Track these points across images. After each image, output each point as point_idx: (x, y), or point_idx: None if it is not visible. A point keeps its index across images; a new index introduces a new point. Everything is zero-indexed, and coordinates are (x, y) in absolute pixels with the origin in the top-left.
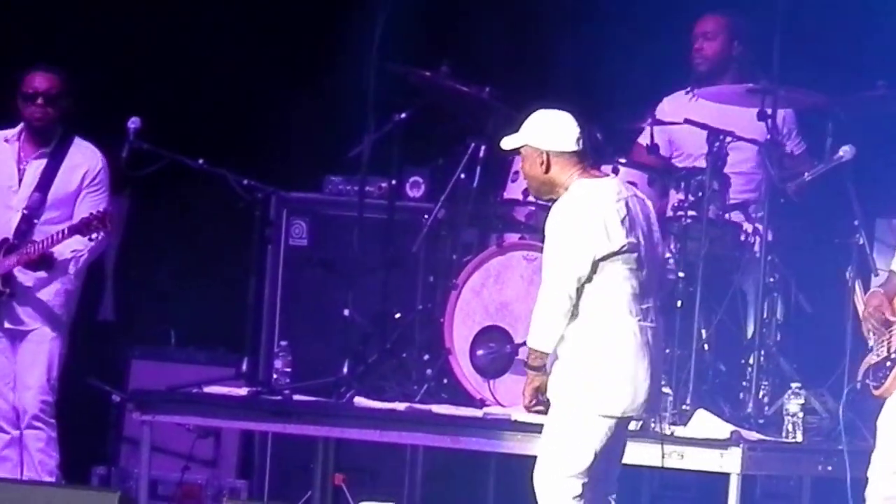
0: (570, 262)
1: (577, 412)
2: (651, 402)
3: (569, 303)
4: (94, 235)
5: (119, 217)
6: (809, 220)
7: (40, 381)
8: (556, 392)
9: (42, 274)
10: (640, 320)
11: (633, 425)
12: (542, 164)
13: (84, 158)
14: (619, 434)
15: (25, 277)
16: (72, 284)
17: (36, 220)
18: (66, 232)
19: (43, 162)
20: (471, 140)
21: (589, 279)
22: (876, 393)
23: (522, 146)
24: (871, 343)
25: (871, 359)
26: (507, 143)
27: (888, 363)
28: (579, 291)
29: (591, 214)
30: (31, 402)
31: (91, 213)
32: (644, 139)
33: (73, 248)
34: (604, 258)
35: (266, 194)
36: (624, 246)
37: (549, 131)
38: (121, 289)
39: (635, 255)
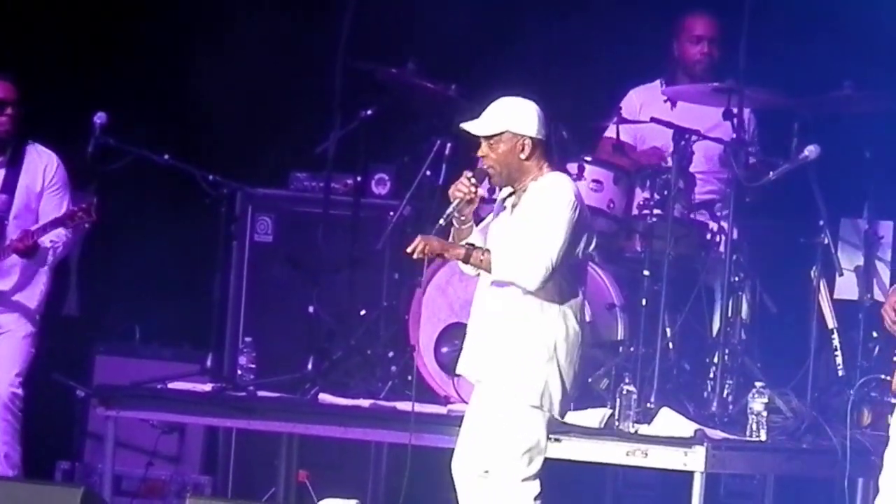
0: (563, 245)
1: (534, 412)
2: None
3: (548, 279)
4: (77, 226)
5: None
6: (774, 220)
7: (13, 374)
8: (509, 387)
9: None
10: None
11: (595, 423)
12: (522, 149)
13: (41, 160)
14: None
15: (2, 283)
16: (48, 284)
17: (6, 222)
18: (52, 223)
19: (2, 171)
20: (436, 137)
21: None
22: None
23: (502, 132)
24: None
25: None
26: (483, 128)
27: None
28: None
29: (585, 212)
30: (3, 393)
31: (76, 207)
32: (610, 133)
33: (51, 239)
34: (581, 256)
35: (232, 190)
36: (592, 249)
37: (529, 118)
38: (85, 284)
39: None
